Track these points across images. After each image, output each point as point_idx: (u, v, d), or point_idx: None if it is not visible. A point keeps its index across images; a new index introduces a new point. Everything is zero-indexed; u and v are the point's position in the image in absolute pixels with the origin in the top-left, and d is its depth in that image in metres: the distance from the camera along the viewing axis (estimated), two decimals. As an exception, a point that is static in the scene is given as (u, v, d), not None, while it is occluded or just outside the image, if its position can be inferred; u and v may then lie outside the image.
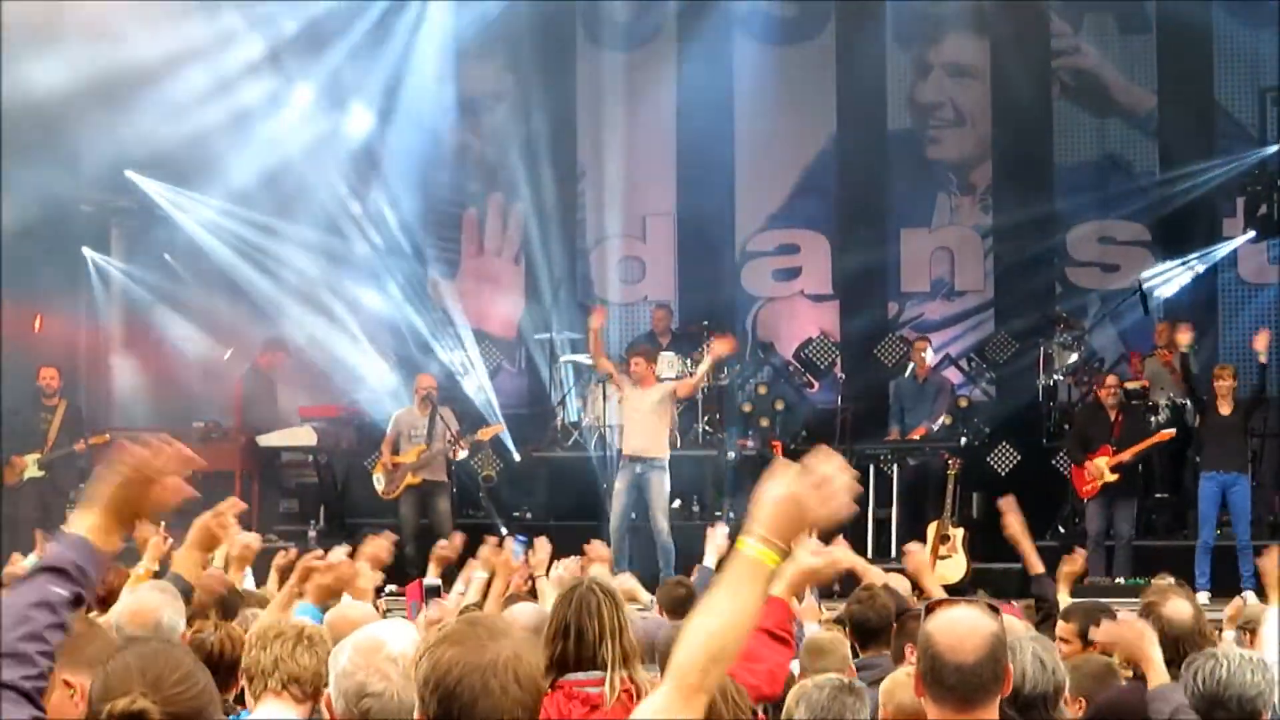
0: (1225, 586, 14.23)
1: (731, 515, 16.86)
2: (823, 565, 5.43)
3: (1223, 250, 18.59)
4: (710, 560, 9.00)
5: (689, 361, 17.67)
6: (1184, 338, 15.58)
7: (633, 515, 15.57)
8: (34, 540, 15.84)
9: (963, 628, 4.05)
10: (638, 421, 15.50)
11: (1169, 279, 18.54)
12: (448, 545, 10.82)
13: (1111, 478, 15.58)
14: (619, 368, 16.01)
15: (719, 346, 15.95)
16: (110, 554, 3.45)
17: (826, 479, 3.23)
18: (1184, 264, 18.57)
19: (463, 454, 16.73)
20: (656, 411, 15.51)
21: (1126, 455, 15.64)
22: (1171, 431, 15.89)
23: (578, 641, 5.38)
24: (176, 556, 6.67)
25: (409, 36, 19.73)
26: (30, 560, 11.38)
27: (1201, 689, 5.22)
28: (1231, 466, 15.27)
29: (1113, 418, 15.92)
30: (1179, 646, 6.12)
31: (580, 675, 5.37)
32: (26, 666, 3.25)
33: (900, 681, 5.56)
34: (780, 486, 3.24)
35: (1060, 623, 7.61)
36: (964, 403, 17.90)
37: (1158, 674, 5.59)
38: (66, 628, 3.32)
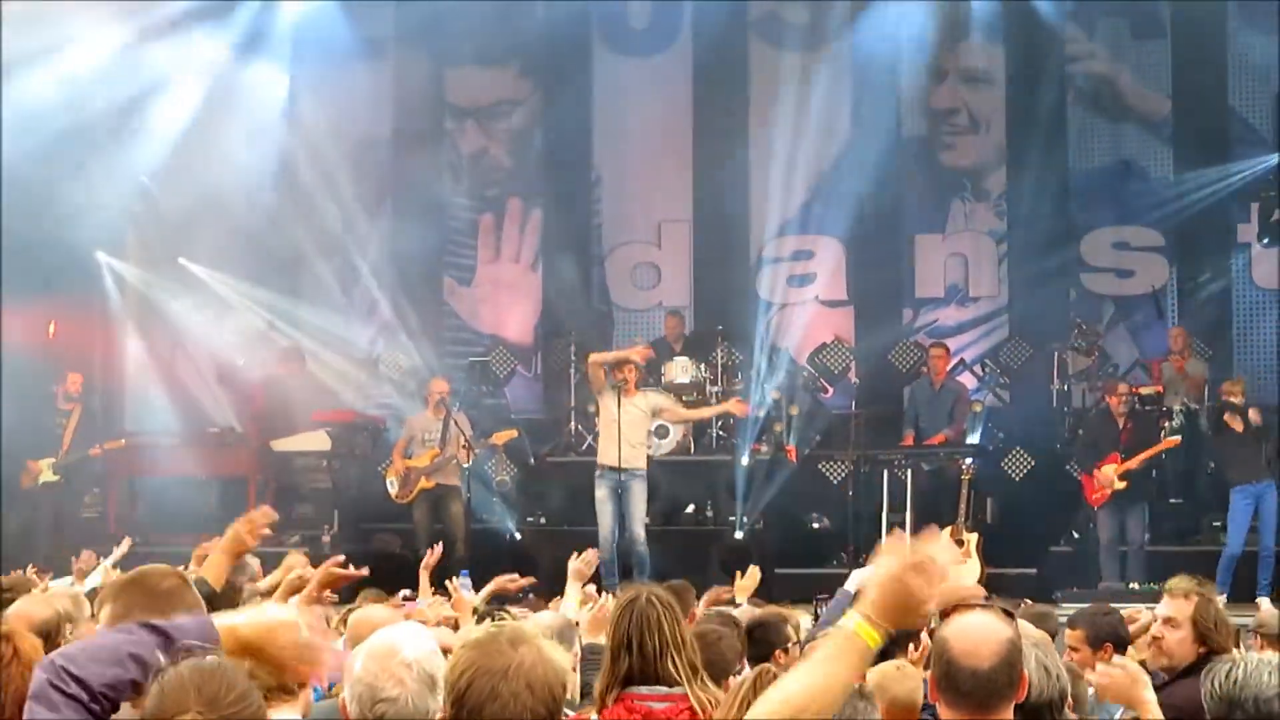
0: (1236, 593, 14.26)
1: (745, 521, 16.86)
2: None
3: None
4: (851, 585, 8.82)
5: (702, 368, 17.67)
6: (1236, 392, 15.41)
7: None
8: (48, 547, 15.88)
9: (977, 633, 4.05)
10: (624, 429, 15.18)
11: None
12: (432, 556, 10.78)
13: (1120, 485, 15.56)
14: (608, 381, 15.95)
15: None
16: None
17: (928, 562, 3.30)
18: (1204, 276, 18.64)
19: (475, 458, 16.71)
20: (640, 421, 15.35)
21: (1134, 463, 15.60)
22: (1176, 439, 15.81)
23: (640, 655, 5.34)
24: (206, 561, 6.67)
25: (418, 42, 19.80)
26: (96, 577, 11.11)
27: (1219, 691, 5.22)
28: (1260, 476, 15.18)
29: (1122, 425, 15.90)
30: (1205, 641, 6.18)
31: (642, 689, 5.33)
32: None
33: (890, 675, 5.54)
34: (888, 566, 3.31)
35: (1068, 630, 7.62)
36: (978, 408, 17.86)
37: (1153, 715, 5.59)
38: (140, 691, 3.35)
